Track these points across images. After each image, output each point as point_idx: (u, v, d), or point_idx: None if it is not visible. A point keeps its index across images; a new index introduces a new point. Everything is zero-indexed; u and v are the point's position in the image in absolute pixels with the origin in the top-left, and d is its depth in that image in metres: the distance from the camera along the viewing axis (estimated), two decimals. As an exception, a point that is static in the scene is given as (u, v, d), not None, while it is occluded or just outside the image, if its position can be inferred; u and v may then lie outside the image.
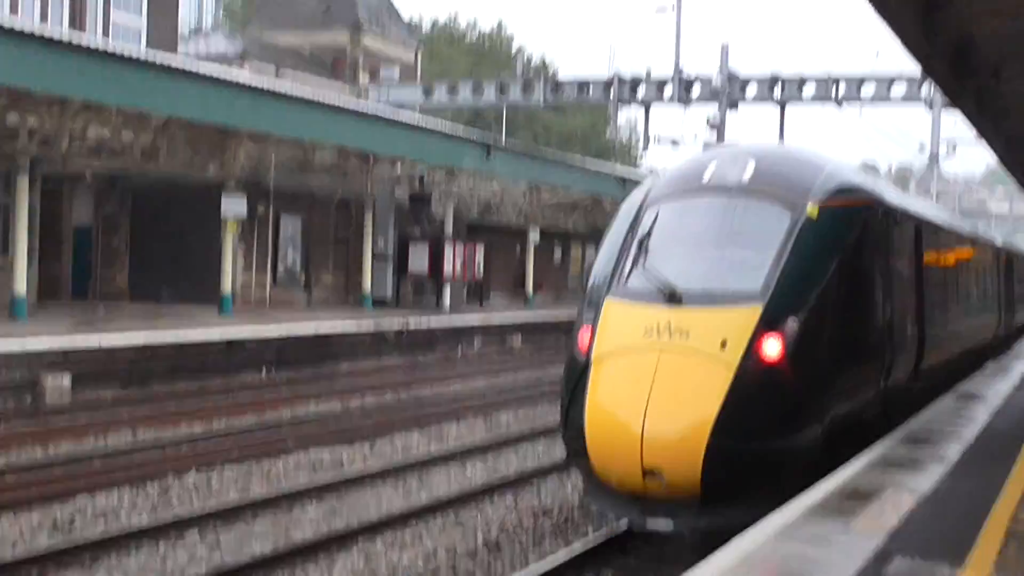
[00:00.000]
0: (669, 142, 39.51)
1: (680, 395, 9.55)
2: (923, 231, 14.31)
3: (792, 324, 9.94)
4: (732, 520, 9.01)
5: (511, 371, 28.14)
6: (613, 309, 10.37)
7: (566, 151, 56.41)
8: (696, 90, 38.05)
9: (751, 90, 37.70)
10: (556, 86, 40.25)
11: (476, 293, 41.76)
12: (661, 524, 9.83)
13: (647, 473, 9.46)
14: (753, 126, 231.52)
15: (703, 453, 9.37)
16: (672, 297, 10.06)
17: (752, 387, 9.62)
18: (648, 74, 39.20)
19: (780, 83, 37.36)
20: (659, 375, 9.62)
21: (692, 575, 6.30)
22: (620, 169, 47.03)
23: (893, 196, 13.67)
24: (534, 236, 44.08)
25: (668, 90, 38.21)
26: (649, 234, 10.74)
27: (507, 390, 24.12)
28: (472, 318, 34.11)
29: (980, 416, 13.61)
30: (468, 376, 26.37)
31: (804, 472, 9.69)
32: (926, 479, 9.37)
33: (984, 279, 21.16)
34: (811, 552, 6.85)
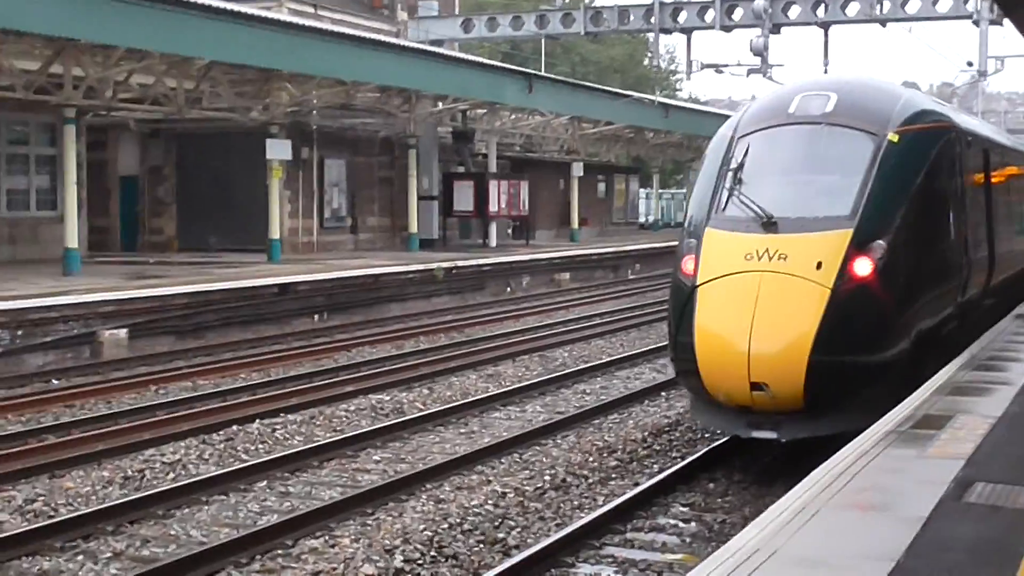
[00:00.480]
0: (712, 68, 39.12)
1: (782, 314, 10.42)
2: (990, 153, 15.11)
3: (880, 245, 10.76)
4: (831, 429, 10.42)
5: (562, 308, 28.21)
6: (714, 237, 11.14)
7: (605, 82, 56.08)
8: (738, 14, 37.65)
9: (794, 11, 37.28)
10: (596, 15, 39.90)
11: (522, 230, 41.80)
12: (767, 434, 10.84)
13: (755, 387, 10.36)
14: (797, 48, 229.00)
15: (805, 367, 10.25)
16: (769, 224, 10.86)
17: (846, 305, 10.49)
18: (690, -2, 38.83)
19: (824, 3, 36.88)
20: (761, 297, 10.48)
21: (773, 508, 6.35)
22: (664, 99, 46.58)
23: (963, 120, 14.50)
24: (577, 170, 44.00)
25: (710, 15, 37.83)
26: (742, 165, 11.44)
27: (559, 327, 24.18)
28: (519, 256, 34.15)
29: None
30: (519, 315, 26.46)
31: (895, 383, 10.59)
32: (995, 403, 9.37)
33: None
34: (891, 482, 6.89)
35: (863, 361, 10.65)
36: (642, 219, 63.21)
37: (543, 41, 54.42)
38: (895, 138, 11.36)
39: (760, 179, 11.37)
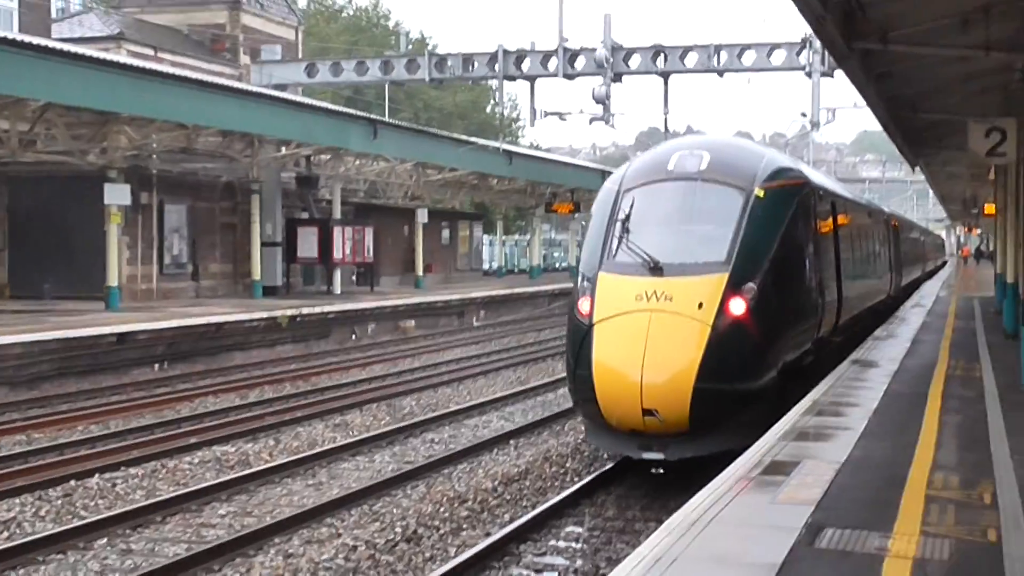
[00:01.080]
0: (556, 116, 39.61)
1: (669, 348, 11.99)
2: (837, 205, 17.24)
3: (751, 287, 12.46)
4: (713, 448, 12.02)
5: (408, 356, 28.10)
6: (607, 281, 12.71)
7: (448, 128, 56.35)
8: (580, 62, 38.19)
9: (635, 61, 37.96)
10: (440, 61, 40.07)
11: (366, 277, 41.59)
12: (656, 455, 12.30)
13: (646, 413, 11.89)
14: (638, 96, 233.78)
15: (690, 394, 11.85)
16: (655, 269, 12.52)
17: (724, 339, 12.13)
18: (532, 46, 39.23)
19: (663, 54, 37.67)
20: (651, 333, 12.05)
21: (629, 559, 6.38)
22: (506, 145, 47.00)
23: (815, 176, 16.63)
24: (422, 216, 44.03)
25: (553, 63, 38.27)
26: (628, 216, 13.08)
27: (406, 375, 24.08)
28: (364, 303, 33.95)
29: (878, 383, 13.99)
30: (365, 363, 26.27)
31: (765, 407, 12.28)
32: (839, 449, 9.62)
33: (880, 245, 24.97)
34: (744, 530, 6.99)
35: (739, 388, 12.29)
36: (486, 266, 63.52)
37: (387, 87, 54.47)
38: (761, 193, 13.18)
39: (645, 229, 13.00)
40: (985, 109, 21.11)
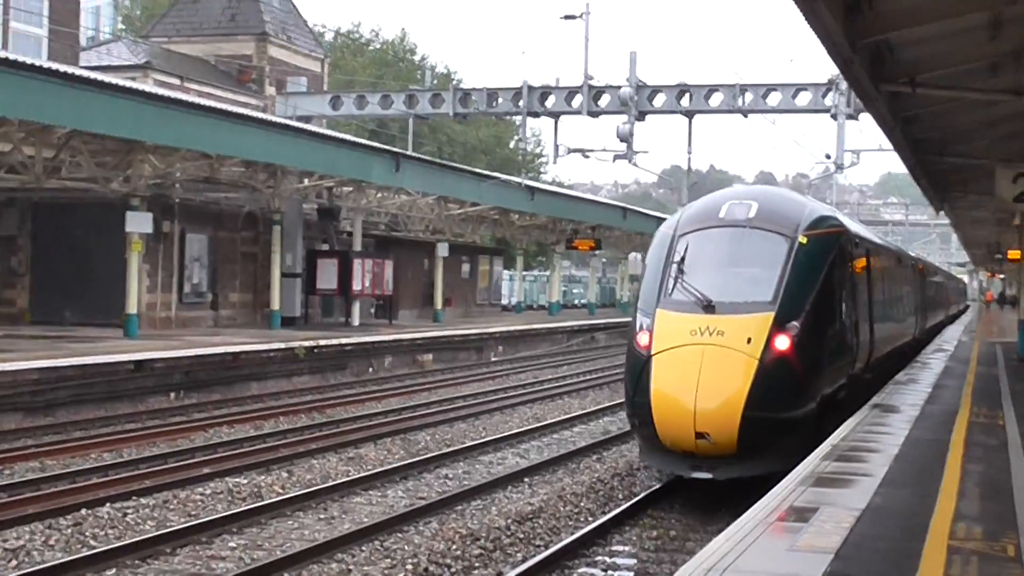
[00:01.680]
0: (579, 153, 39.63)
1: (720, 379, 13.34)
2: (870, 251, 18.69)
3: (795, 325, 13.84)
4: (757, 471, 13.28)
5: (424, 390, 27.98)
6: (665, 317, 14.12)
7: (471, 163, 56.43)
8: (605, 100, 38.26)
9: (659, 99, 38.02)
10: (465, 96, 40.16)
11: (385, 309, 41.53)
12: (705, 474, 13.66)
13: (699, 436, 13.26)
14: (662, 134, 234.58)
15: (739, 420, 13.21)
16: (708, 307, 13.93)
17: (770, 372, 13.48)
18: (557, 83, 39.33)
19: (688, 93, 37.69)
20: (704, 365, 13.41)
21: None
22: (530, 181, 47.00)
23: (851, 224, 18.16)
24: (442, 250, 43.97)
25: (577, 100, 38.38)
26: (683, 259, 14.50)
27: (421, 409, 23.95)
28: (382, 336, 33.87)
29: (899, 428, 13.80)
30: (381, 396, 26.16)
31: (804, 435, 13.48)
32: (859, 496, 9.44)
33: (908, 289, 26.66)
34: (760, 578, 6.83)
35: (782, 417, 13.63)
36: (505, 300, 63.41)
37: (411, 120, 54.67)
38: (804, 240, 14.58)
39: (699, 270, 14.41)
40: (1012, 154, 20.99)
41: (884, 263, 21.08)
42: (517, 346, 41.60)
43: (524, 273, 64.76)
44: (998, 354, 28.89)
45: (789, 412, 13.76)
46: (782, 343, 13.68)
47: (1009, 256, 42.24)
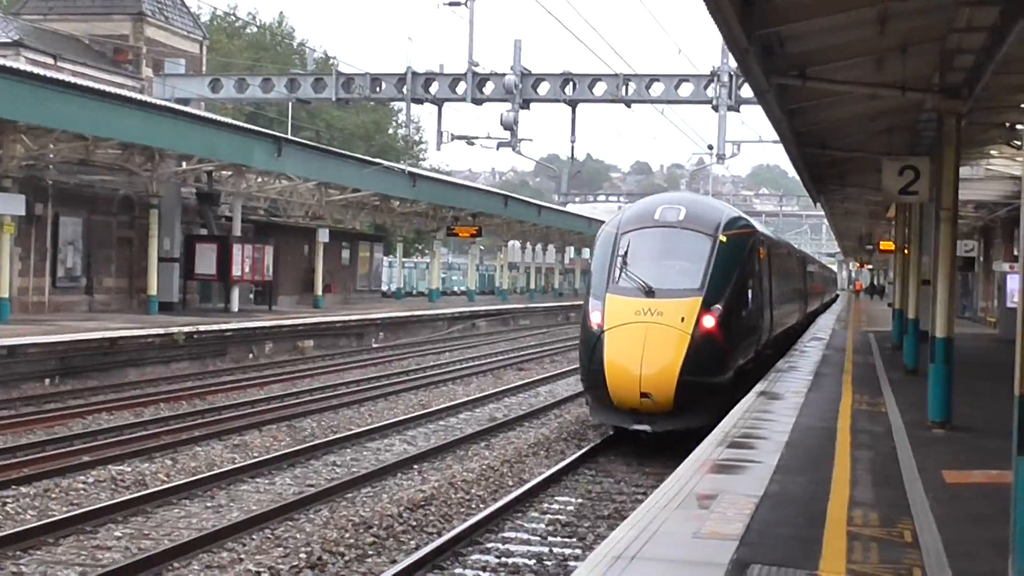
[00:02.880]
0: (463, 140, 39.50)
1: (660, 350, 16.45)
2: (771, 248, 22.64)
3: (718, 307, 17.03)
4: (688, 424, 16.30)
5: (307, 376, 27.66)
6: (614, 300, 17.10)
7: (350, 148, 55.97)
8: (489, 87, 38.19)
9: (544, 88, 38.07)
10: (348, 81, 39.76)
11: (265, 295, 41.00)
12: (645, 427, 16.68)
13: (643, 396, 16.35)
14: (541, 122, 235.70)
15: (675, 383, 16.30)
16: (649, 292, 16.96)
17: (699, 345, 16.59)
18: (441, 69, 39.12)
19: (572, 82, 37.81)
20: (647, 339, 16.52)
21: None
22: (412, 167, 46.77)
23: (758, 225, 21.69)
24: (323, 236, 43.54)
25: (461, 87, 38.23)
26: (626, 253, 17.57)
27: (305, 396, 23.68)
28: (263, 322, 33.43)
29: (785, 416, 14.03)
30: (264, 383, 25.80)
31: (724, 397, 16.57)
32: (756, 483, 9.54)
33: (796, 279, 31.50)
34: (668, 568, 6.84)
35: (709, 381, 16.70)
36: (385, 287, 63.09)
37: (290, 105, 53.95)
38: (724, 239, 17.87)
39: (640, 262, 17.44)
40: (891, 147, 21.46)
41: (779, 257, 25.15)
42: (398, 333, 41.39)
43: (404, 260, 64.53)
44: (872, 342, 29.54)
45: (714, 378, 16.85)
46: (708, 322, 16.79)
47: (882, 247, 43.37)
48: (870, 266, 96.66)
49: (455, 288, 78.23)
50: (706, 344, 16.68)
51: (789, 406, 15.13)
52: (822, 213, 60.55)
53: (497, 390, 25.26)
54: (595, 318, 17.12)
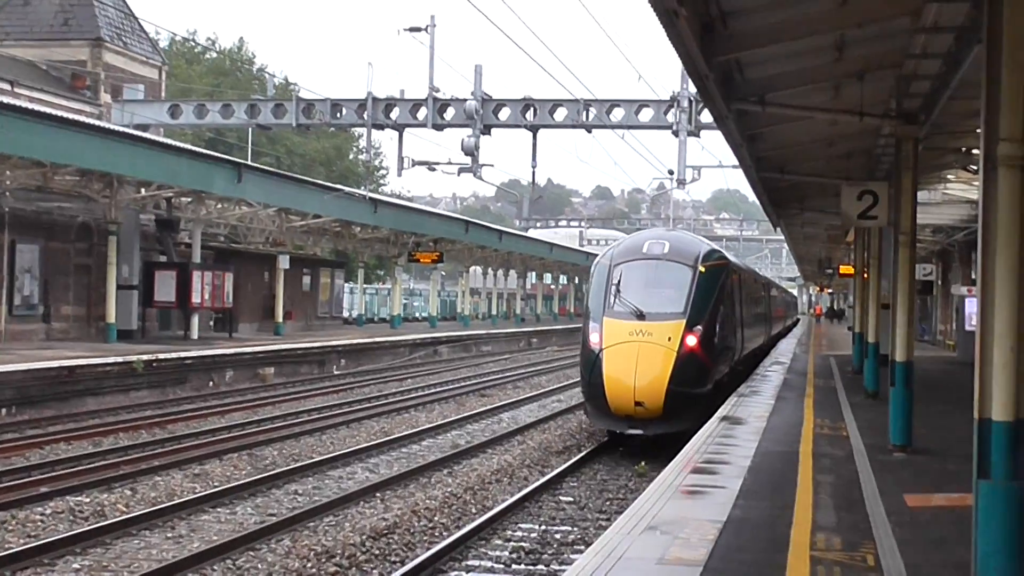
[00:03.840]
0: (424, 166, 39.47)
1: (651, 365, 19.36)
2: (741, 276, 26.17)
3: (699, 329, 19.91)
4: (676, 428, 19.04)
5: (268, 404, 27.51)
6: (609, 323, 20.01)
7: (310, 174, 55.89)
8: (450, 113, 38.23)
9: (504, 113, 38.13)
10: (308, 107, 39.71)
11: (225, 322, 40.78)
12: (639, 431, 19.56)
13: (637, 404, 19.21)
14: (501, 147, 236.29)
15: (664, 393, 19.17)
16: (641, 315, 19.89)
17: (684, 361, 19.49)
18: (402, 95, 39.15)
19: (533, 107, 37.91)
20: (640, 356, 19.42)
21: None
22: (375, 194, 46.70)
23: (731, 256, 26.81)
24: (283, 262, 43.38)
25: (422, 113, 38.26)
26: (619, 282, 20.55)
27: (266, 424, 23.55)
28: (223, 349, 33.24)
29: (747, 441, 14.09)
30: (224, 411, 25.65)
31: (706, 405, 19.30)
32: (719, 508, 9.58)
33: (761, 304, 35.22)
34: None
35: (692, 392, 19.52)
36: (346, 313, 62.90)
37: (250, 131, 53.82)
38: (703, 269, 20.85)
39: (631, 290, 20.42)
40: (849, 172, 21.67)
41: (748, 285, 28.65)
42: (360, 360, 41.25)
43: (365, 286, 64.39)
44: (833, 366, 29.72)
45: (697, 388, 19.68)
46: (691, 341, 19.71)
47: (841, 271, 43.66)
48: (830, 290, 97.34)
49: (417, 314, 78.12)
50: (689, 360, 19.56)
51: (751, 431, 15.21)
52: (782, 237, 60.96)
53: (459, 416, 25.21)
54: (594, 339, 19.96)
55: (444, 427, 23.70)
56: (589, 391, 20.17)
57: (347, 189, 44.96)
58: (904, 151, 14.41)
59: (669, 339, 19.54)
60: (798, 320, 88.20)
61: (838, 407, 19.02)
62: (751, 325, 28.39)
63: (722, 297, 21.38)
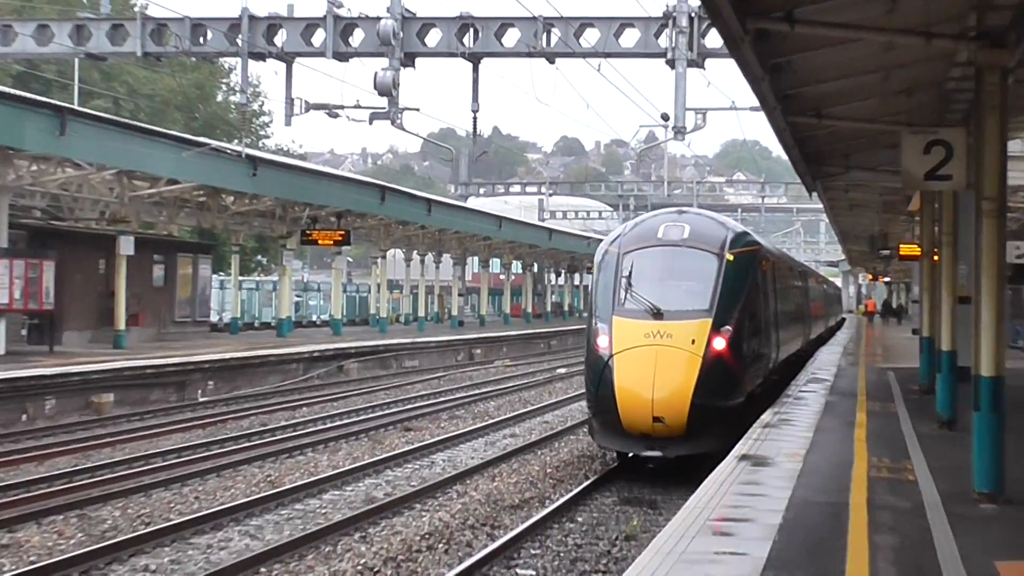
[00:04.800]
0: (323, 111, 39.26)
1: (672, 373, 21.38)
2: (776, 265, 28.66)
3: (728, 329, 22.12)
4: (699, 450, 21.44)
5: (105, 444, 27.37)
6: (621, 323, 22.16)
7: (162, 123, 55.73)
8: (358, 37, 38.14)
9: (433, 37, 38.16)
10: (159, 28, 39.47)
11: (43, 331, 40.50)
12: (656, 452, 21.90)
13: (656, 420, 21.23)
14: (439, 86, 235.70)
15: (688, 407, 21.24)
16: (657, 314, 21.97)
17: (711, 368, 21.57)
18: (290, 12, 39.00)
19: (473, 28, 37.88)
20: (659, 362, 21.43)
21: None
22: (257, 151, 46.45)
23: (763, 241, 28.98)
24: (126, 246, 43.07)
25: (319, 37, 38.14)
26: (631, 274, 22.56)
27: (103, 473, 23.40)
28: (41, 368, 33.02)
29: (777, 489, 14.11)
30: (43, 455, 25.47)
31: (735, 422, 21.32)
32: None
33: (799, 299, 38.71)
34: None
35: (721, 405, 21.70)
36: (215, 317, 62.67)
37: (76, 62, 53.47)
38: (731, 257, 22.98)
39: (645, 283, 22.43)
40: (912, 116, 21.73)
41: (783, 274, 31.43)
42: (235, 381, 41.11)
43: (242, 279, 64.18)
44: (892, 384, 29.91)
45: (726, 401, 21.89)
46: (719, 344, 21.79)
47: (902, 252, 43.89)
48: (886, 278, 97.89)
49: (314, 317, 77.95)
50: (718, 367, 21.73)
51: (782, 475, 15.25)
52: (819, 206, 61.25)
53: (375, 459, 25.17)
54: (602, 342, 22.19)
55: (354, 474, 23.65)
56: (596, 405, 22.43)
57: (215, 143, 44.75)
58: (988, 85, 14.43)
59: (693, 342, 21.70)
60: (843, 320, 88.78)
61: (900, 440, 19.12)
62: (787, 325, 31.08)
63: (755, 290, 23.85)
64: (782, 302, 29.84)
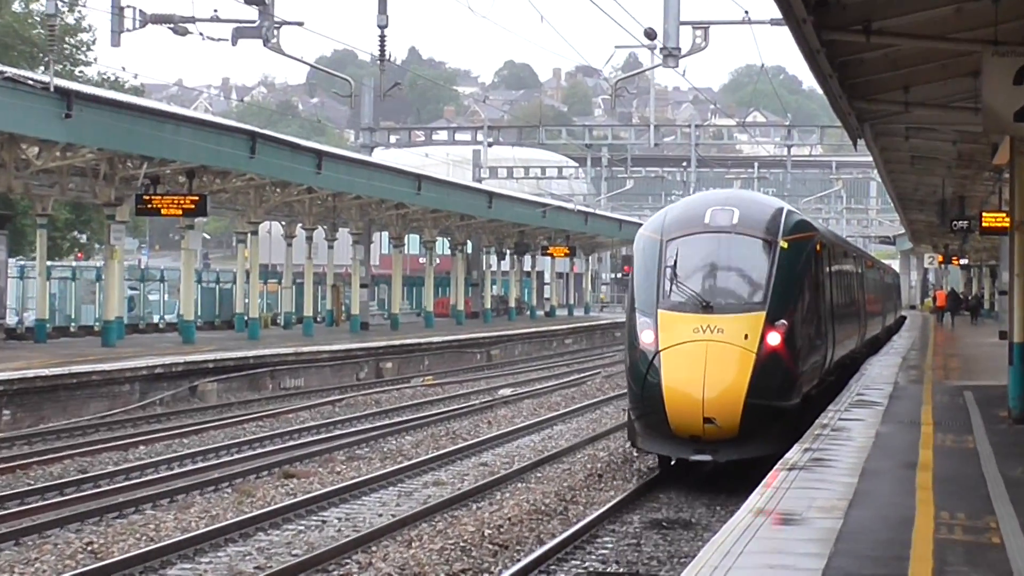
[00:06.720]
0: (167, 25, 39.28)
1: (724, 371, 26.92)
2: (832, 253, 35.01)
3: (783, 323, 27.64)
4: (753, 453, 27.28)
5: None
6: (667, 316, 27.54)
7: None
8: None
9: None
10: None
11: None
12: (706, 456, 27.41)
13: (707, 421, 26.49)
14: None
15: (741, 407, 26.70)
16: (707, 307, 27.42)
17: (766, 365, 27.13)
18: None
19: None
20: (709, 359, 26.79)
21: None
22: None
23: (820, 227, 35.96)
24: None
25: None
26: (675, 263, 27.81)
27: None
28: None
29: (808, 556, 14.17)
30: None
31: (791, 424, 26.87)
32: None
33: (855, 291, 45.65)
34: None
35: (776, 405, 27.05)
36: (12, 318, 62.36)
37: None
38: (785, 244, 28.04)
39: (692, 273, 27.76)
40: (996, 31, 21.79)
41: (841, 263, 38.33)
42: (41, 409, 41.02)
43: (50, 263, 63.97)
44: (970, 408, 30.01)
45: (781, 401, 27.20)
46: (774, 339, 26.96)
47: (984, 223, 43.89)
48: (962, 260, 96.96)
49: (156, 318, 77.67)
50: (772, 363, 27.16)
51: (814, 536, 15.33)
52: (868, 159, 61.47)
53: (242, 518, 25.15)
54: (646, 337, 27.58)
55: (213, 539, 23.62)
56: (642, 406, 27.96)
57: (9, 70, 44.57)
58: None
59: (746, 337, 27.19)
60: (903, 319, 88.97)
61: (983, 489, 19.15)
62: (843, 320, 38.01)
63: (811, 281, 29.38)
64: (838, 294, 35.85)
